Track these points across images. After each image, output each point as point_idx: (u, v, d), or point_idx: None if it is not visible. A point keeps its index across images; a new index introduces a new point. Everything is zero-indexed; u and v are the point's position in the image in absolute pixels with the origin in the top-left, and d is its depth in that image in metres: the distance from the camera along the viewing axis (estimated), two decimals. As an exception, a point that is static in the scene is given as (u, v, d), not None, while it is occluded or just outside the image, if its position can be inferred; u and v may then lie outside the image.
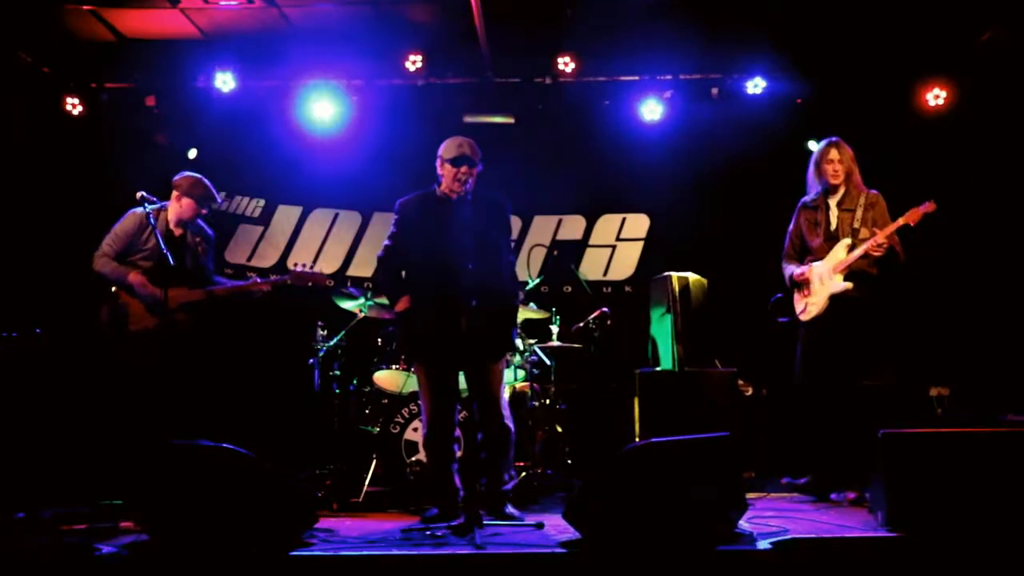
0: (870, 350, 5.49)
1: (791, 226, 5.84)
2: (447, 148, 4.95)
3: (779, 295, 5.90)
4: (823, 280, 5.50)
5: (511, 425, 5.00)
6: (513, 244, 5.22)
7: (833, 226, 5.57)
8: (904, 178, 6.65)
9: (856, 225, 5.46)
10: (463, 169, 4.87)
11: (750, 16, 6.99)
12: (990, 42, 7.10)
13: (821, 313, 5.51)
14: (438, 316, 4.77)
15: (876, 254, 5.31)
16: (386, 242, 5.13)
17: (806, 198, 5.77)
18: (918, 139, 7.62)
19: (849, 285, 5.39)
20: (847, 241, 5.45)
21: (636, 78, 7.75)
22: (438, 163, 4.99)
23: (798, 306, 5.68)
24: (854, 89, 7.54)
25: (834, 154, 5.55)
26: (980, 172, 7.49)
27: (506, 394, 5.10)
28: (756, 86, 7.54)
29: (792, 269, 5.70)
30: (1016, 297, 7.30)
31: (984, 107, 7.40)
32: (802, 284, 5.62)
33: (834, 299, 5.45)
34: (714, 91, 7.68)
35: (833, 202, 5.61)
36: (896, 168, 7.31)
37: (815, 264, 5.58)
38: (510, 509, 4.97)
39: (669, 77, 7.70)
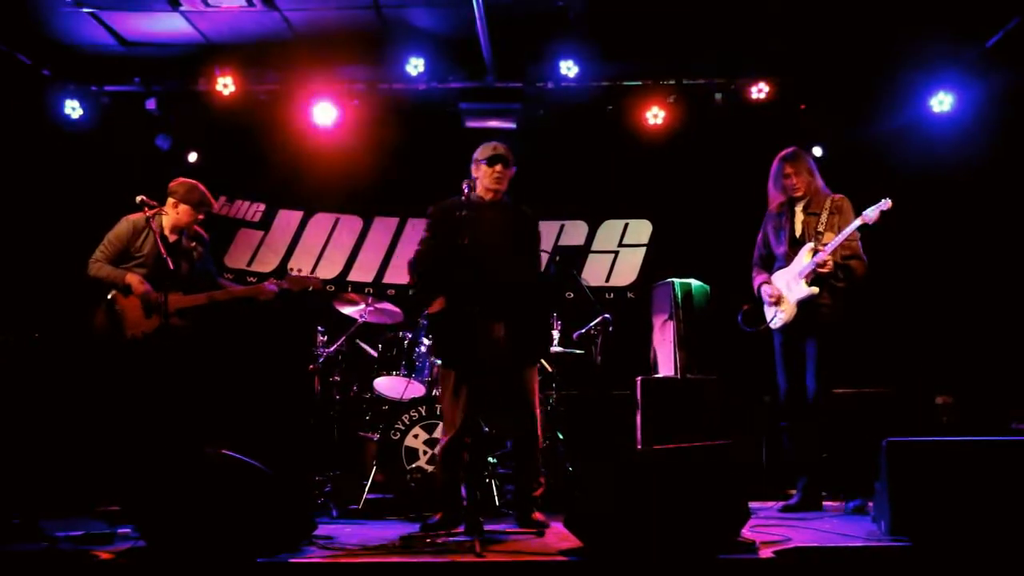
0: (843, 357, 5.44)
1: (759, 235, 5.82)
2: (482, 150, 5.06)
3: (748, 306, 5.87)
4: (790, 286, 5.47)
5: (538, 439, 5.01)
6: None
7: (798, 232, 5.54)
8: (911, 183, 6.64)
9: (820, 229, 5.43)
10: (498, 168, 4.96)
11: (754, 21, 6.96)
12: (997, 47, 7.08)
13: (791, 320, 5.48)
14: (472, 322, 4.74)
15: (823, 271, 5.29)
16: (418, 247, 5.08)
17: (771, 206, 5.74)
18: (924, 143, 7.59)
19: (815, 290, 5.35)
20: (811, 246, 5.41)
21: (639, 83, 7.74)
22: (473, 167, 5.08)
23: (768, 314, 5.64)
24: (858, 94, 7.52)
25: (789, 169, 5.54)
26: (988, 177, 7.46)
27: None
28: (760, 91, 7.52)
29: (760, 280, 5.68)
30: (1022, 304, 7.26)
31: (991, 111, 7.37)
32: (769, 299, 5.58)
33: (802, 305, 5.41)
34: (718, 96, 7.66)
35: (799, 208, 5.58)
36: (902, 172, 7.32)
37: (780, 272, 5.55)
38: (538, 515, 4.96)
39: (672, 82, 7.69)
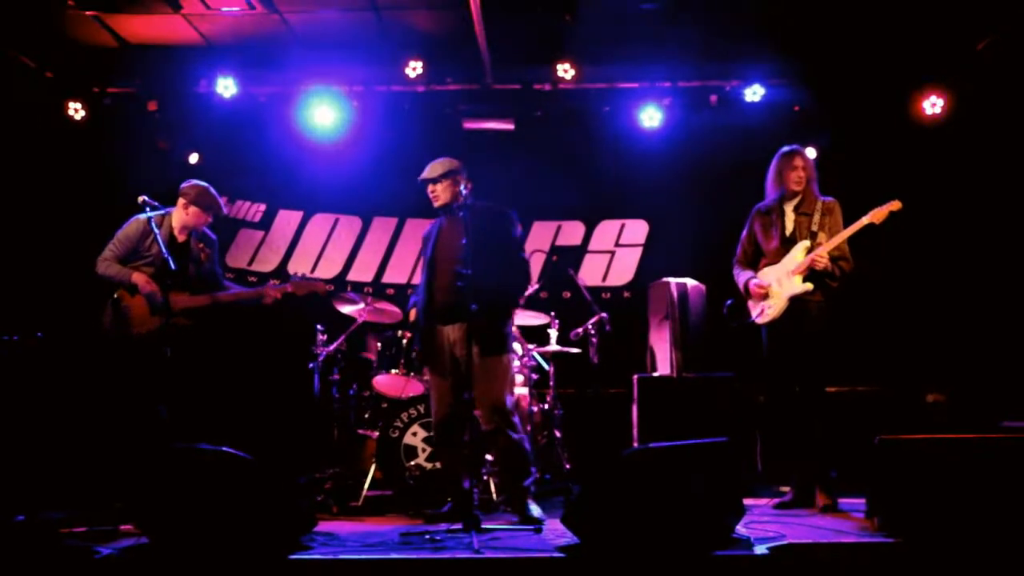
0: (834, 354, 5.48)
1: (744, 232, 5.82)
2: None
3: (731, 300, 5.91)
4: (781, 283, 5.49)
5: (512, 432, 5.04)
6: (519, 251, 5.33)
7: (789, 230, 5.55)
8: (903, 185, 6.66)
9: (814, 228, 5.45)
10: (427, 188, 5.30)
11: (749, 23, 7.00)
12: (988, 50, 7.13)
13: (779, 315, 5.51)
14: (426, 324, 5.21)
15: (817, 268, 5.33)
16: None
17: (761, 204, 5.76)
18: (916, 146, 7.63)
19: (810, 286, 5.37)
20: (806, 243, 5.43)
21: (635, 85, 7.77)
22: None
23: (753, 310, 5.67)
24: (852, 97, 7.56)
25: (798, 161, 5.55)
26: (979, 178, 7.51)
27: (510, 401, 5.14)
28: (755, 93, 7.56)
29: (746, 276, 5.70)
30: (1014, 303, 7.30)
31: (982, 114, 7.42)
32: (757, 291, 5.61)
33: (794, 301, 5.45)
34: (713, 98, 7.70)
35: (789, 207, 5.60)
36: (894, 174, 7.35)
37: (770, 268, 5.58)
38: (532, 509, 5.05)
39: (668, 84, 7.72)
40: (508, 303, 5.26)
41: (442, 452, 5.28)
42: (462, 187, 5.15)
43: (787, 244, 5.52)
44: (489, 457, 5.81)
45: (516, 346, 6.45)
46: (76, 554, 4.09)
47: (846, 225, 5.41)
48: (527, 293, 6.53)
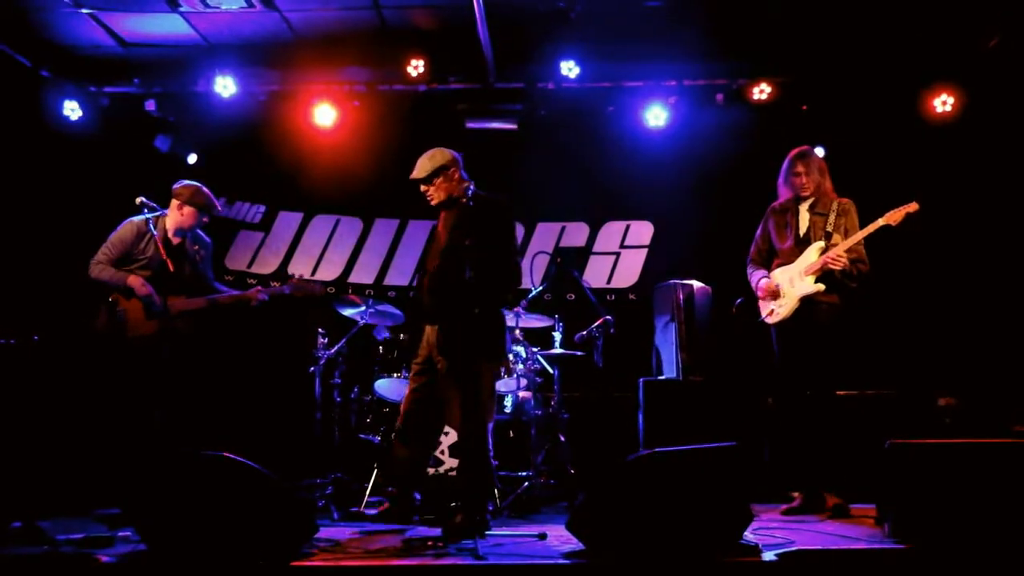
0: (844, 356, 5.43)
1: (758, 231, 5.81)
2: None
3: (742, 299, 5.87)
4: (793, 282, 5.46)
5: (480, 456, 4.80)
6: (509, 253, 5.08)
7: (803, 229, 5.53)
8: (913, 185, 6.62)
9: (829, 229, 5.43)
10: (419, 188, 5.04)
11: (756, 21, 6.95)
12: (999, 47, 7.08)
13: (789, 316, 5.46)
14: (416, 323, 5.20)
15: (834, 267, 5.27)
16: None
17: (776, 203, 5.75)
18: (925, 146, 7.58)
19: (821, 287, 5.34)
20: (820, 244, 5.41)
21: (640, 84, 7.72)
22: None
23: (763, 310, 5.63)
24: (860, 95, 7.51)
25: (800, 168, 5.54)
26: (990, 179, 7.46)
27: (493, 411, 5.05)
28: (761, 92, 7.51)
29: (759, 275, 5.66)
30: (1024, 306, 7.27)
31: (994, 112, 7.37)
32: (768, 291, 5.55)
33: (805, 301, 5.40)
34: (719, 97, 7.65)
35: (804, 207, 5.58)
36: (903, 175, 7.30)
37: (782, 268, 5.54)
38: (460, 517, 4.60)
39: (674, 83, 7.67)
40: (489, 307, 4.82)
41: (399, 445, 5.11)
42: (458, 182, 4.95)
43: (801, 244, 5.49)
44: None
45: (519, 349, 6.41)
46: (74, 561, 4.08)
47: (862, 226, 5.35)
48: (520, 299, 6.46)
